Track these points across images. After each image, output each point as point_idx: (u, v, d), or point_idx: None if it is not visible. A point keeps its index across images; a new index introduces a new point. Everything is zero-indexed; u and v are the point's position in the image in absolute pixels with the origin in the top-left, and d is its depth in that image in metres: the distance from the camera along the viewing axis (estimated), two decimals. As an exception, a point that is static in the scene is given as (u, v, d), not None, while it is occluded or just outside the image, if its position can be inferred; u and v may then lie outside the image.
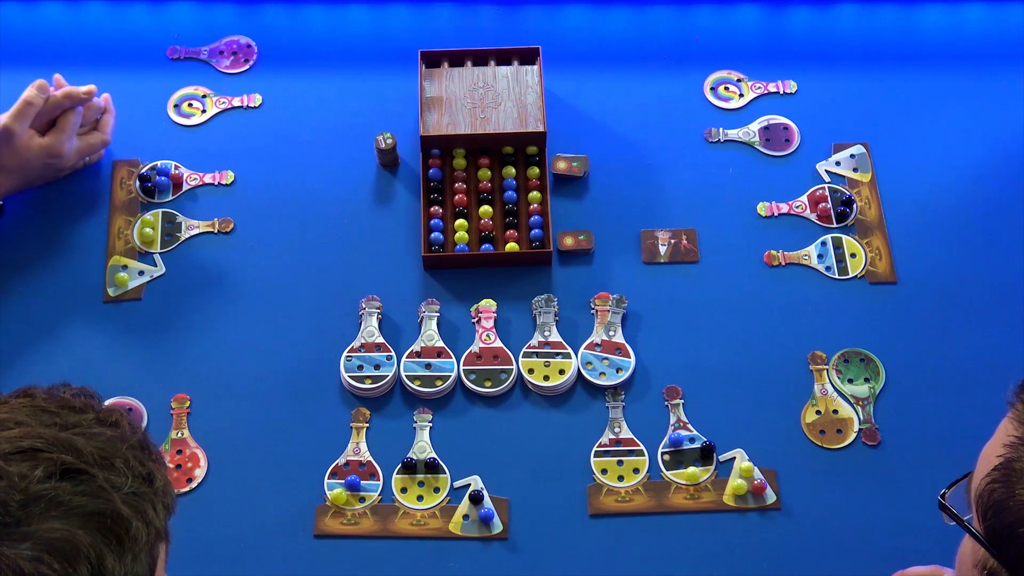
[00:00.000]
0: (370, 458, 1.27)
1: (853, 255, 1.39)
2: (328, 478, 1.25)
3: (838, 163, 1.46)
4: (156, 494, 0.80)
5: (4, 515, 0.72)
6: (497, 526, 1.23)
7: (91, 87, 1.40)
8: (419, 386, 1.30)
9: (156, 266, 1.39)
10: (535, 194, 1.41)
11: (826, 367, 1.31)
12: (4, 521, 0.71)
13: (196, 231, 1.41)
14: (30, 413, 0.78)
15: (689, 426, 1.28)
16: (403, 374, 1.31)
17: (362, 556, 1.21)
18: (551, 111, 1.46)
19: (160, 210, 1.43)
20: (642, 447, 1.27)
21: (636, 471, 1.26)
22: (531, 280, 1.38)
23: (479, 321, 1.34)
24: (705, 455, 1.26)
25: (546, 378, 1.30)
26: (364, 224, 1.42)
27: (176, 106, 1.51)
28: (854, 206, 1.42)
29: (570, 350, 1.32)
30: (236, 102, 1.51)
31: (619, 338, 1.33)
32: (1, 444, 0.75)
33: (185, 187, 1.44)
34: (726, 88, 1.53)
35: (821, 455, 1.27)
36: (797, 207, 1.43)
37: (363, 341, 1.32)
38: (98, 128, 1.43)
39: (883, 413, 1.29)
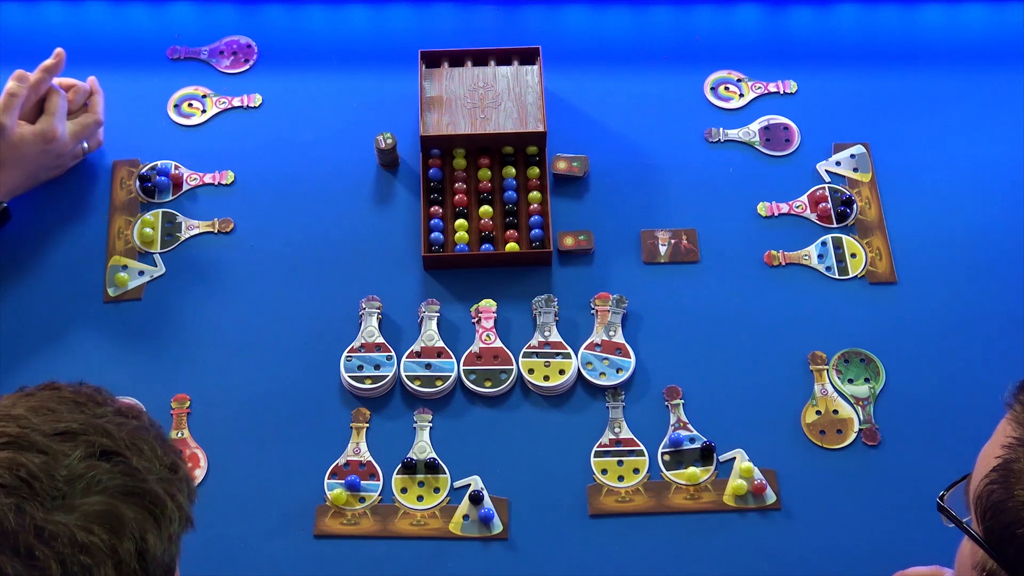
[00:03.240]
0: (370, 458, 1.27)
1: (853, 255, 1.39)
2: (328, 478, 1.25)
3: (838, 163, 1.46)
4: (180, 481, 0.82)
5: (52, 489, 0.74)
6: (497, 526, 1.23)
7: (59, 51, 1.38)
8: (419, 386, 1.30)
9: (156, 266, 1.39)
10: (535, 194, 1.41)
11: (826, 367, 1.31)
12: (52, 495, 0.74)
13: (196, 231, 1.41)
14: (58, 402, 0.81)
15: (689, 426, 1.28)
16: (403, 374, 1.31)
17: (362, 556, 1.21)
18: (551, 111, 1.46)
19: (160, 210, 1.43)
20: (642, 447, 1.27)
21: (636, 471, 1.26)
22: (531, 280, 1.38)
23: (479, 321, 1.34)
24: (705, 455, 1.26)
25: (546, 378, 1.30)
26: (364, 224, 1.42)
27: (176, 106, 1.51)
28: (854, 206, 1.42)
29: (570, 350, 1.32)
30: (236, 102, 1.51)
31: (619, 338, 1.33)
32: (40, 426, 0.77)
33: (185, 187, 1.44)
34: (726, 88, 1.53)
35: (821, 455, 1.27)
36: (797, 207, 1.43)
37: (363, 341, 1.33)
38: (88, 109, 1.43)
39: (883, 413, 1.29)
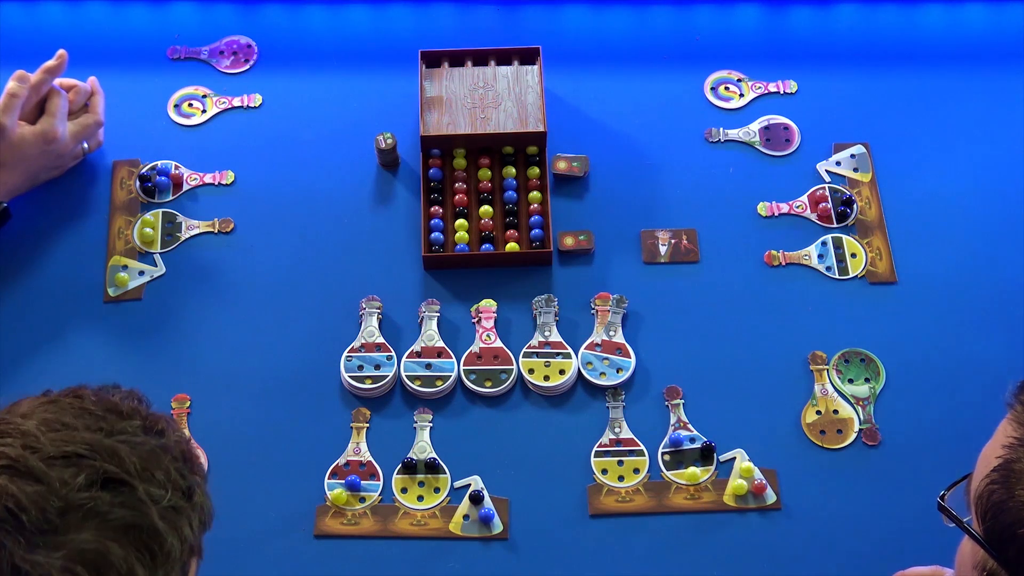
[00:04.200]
0: (370, 458, 1.27)
1: (853, 255, 1.39)
2: (328, 478, 1.25)
3: (838, 163, 1.46)
4: (193, 509, 0.80)
5: (42, 522, 0.72)
6: (497, 526, 1.23)
7: (61, 52, 1.39)
8: (419, 386, 1.30)
9: (156, 266, 1.39)
10: (535, 194, 1.41)
11: (826, 367, 1.31)
12: (41, 528, 0.72)
13: (196, 231, 1.41)
14: (77, 415, 0.78)
15: (689, 426, 1.28)
16: (403, 374, 1.31)
17: (362, 556, 1.21)
18: (551, 111, 1.46)
19: (160, 210, 1.43)
20: (642, 447, 1.27)
21: (636, 471, 1.26)
22: (531, 280, 1.38)
23: (479, 321, 1.34)
24: (705, 455, 1.26)
25: (546, 378, 1.30)
26: (364, 224, 1.42)
27: (176, 106, 1.51)
28: (854, 206, 1.42)
29: (570, 350, 1.32)
30: (236, 102, 1.51)
31: (619, 338, 1.33)
32: (46, 447, 0.75)
33: (185, 187, 1.44)
34: (726, 88, 1.53)
35: (821, 455, 1.27)
36: (797, 207, 1.43)
37: (363, 341, 1.33)
38: (88, 110, 1.43)
39: (883, 413, 1.29)
